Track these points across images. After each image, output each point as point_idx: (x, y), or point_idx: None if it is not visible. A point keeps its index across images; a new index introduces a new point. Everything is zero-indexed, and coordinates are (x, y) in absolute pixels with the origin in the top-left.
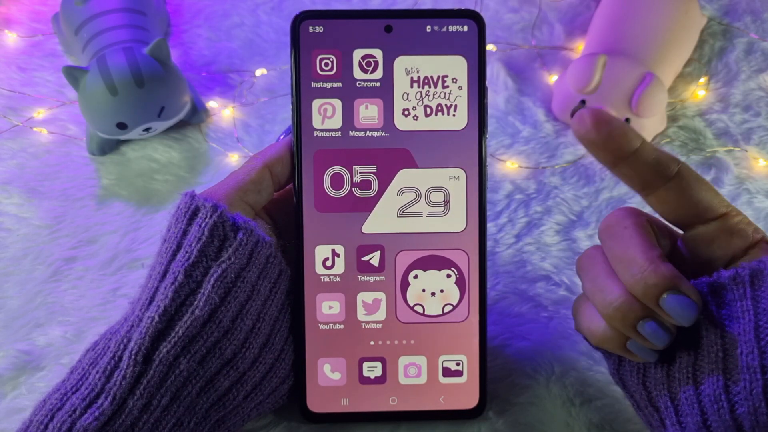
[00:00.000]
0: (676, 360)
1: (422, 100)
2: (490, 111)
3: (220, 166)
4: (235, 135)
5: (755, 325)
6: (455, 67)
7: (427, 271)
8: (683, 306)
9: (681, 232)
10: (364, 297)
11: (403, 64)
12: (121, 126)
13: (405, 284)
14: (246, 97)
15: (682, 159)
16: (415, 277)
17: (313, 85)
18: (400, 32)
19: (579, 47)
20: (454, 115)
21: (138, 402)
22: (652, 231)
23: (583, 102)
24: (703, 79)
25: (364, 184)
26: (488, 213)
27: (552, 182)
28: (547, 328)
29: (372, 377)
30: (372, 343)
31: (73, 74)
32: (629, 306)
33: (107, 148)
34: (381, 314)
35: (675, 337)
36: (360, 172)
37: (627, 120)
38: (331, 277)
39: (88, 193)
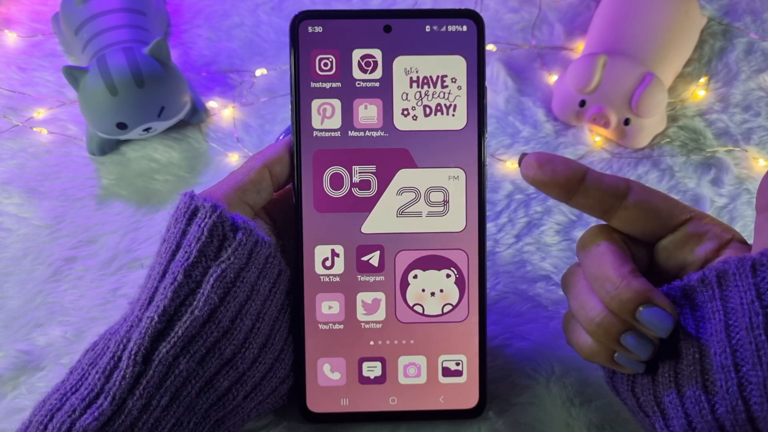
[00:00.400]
0: (659, 365)
1: (421, 100)
2: (490, 111)
3: (220, 166)
4: (235, 135)
5: (725, 324)
6: (454, 66)
7: (427, 271)
8: (659, 318)
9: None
10: (363, 297)
11: (402, 64)
12: (121, 126)
13: (404, 284)
14: (246, 97)
15: (682, 159)
16: (415, 277)
17: (313, 85)
18: (400, 32)
19: (579, 47)
20: (453, 115)
21: (137, 402)
22: (626, 245)
23: (583, 102)
24: (703, 79)
25: (364, 184)
26: (488, 213)
27: None
28: (547, 328)
29: (372, 377)
30: (372, 343)
31: (73, 74)
32: (609, 321)
33: (107, 148)
34: (381, 314)
35: (658, 346)
36: (359, 172)
37: (627, 120)
38: (331, 277)
39: (88, 193)
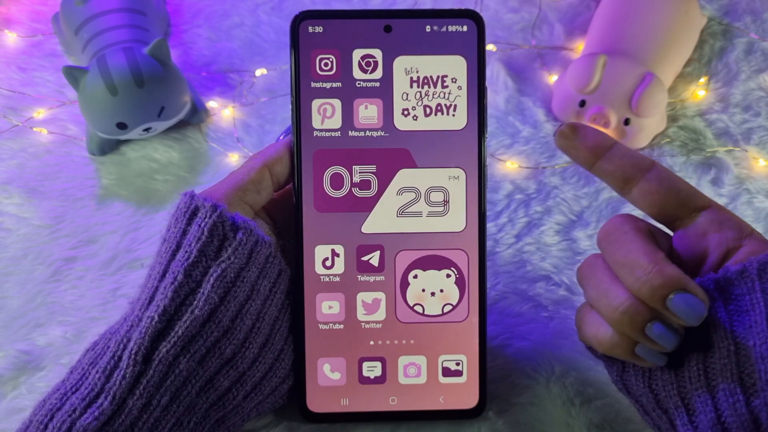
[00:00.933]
0: (684, 359)
1: (422, 100)
2: (490, 111)
3: (220, 166)
4: (235, 135)
5: (767, 315)
6: (455, 66)
7: (427, 271)
8: (691, 305)
9: (671, 233)
10: (363, 297)
11: (402, 64)
12: (121, 126)
13: (405, 284)
14: (246, 97)
15: (682, 159)
16: (415, 276)
17: (313, 85)
18: (400, 32)
19: (579, 47)
20: (453, 115)
21: (138, 402)
22: (652, 234)
23: (583, 102)
24: (703, 79)
25: (364, 184)
26: (488, 213)
27: (552, 182)
28: (547, 328)
29: (372, 377)
30: (372, 343)
31: (73, 74)
32: (636, 309)
33: (107, 148)
34: (381, 314)
35: (683, 338)
36: (360, 172)
37: (627, 120)
38: (331, 277)
39: (88, 193)
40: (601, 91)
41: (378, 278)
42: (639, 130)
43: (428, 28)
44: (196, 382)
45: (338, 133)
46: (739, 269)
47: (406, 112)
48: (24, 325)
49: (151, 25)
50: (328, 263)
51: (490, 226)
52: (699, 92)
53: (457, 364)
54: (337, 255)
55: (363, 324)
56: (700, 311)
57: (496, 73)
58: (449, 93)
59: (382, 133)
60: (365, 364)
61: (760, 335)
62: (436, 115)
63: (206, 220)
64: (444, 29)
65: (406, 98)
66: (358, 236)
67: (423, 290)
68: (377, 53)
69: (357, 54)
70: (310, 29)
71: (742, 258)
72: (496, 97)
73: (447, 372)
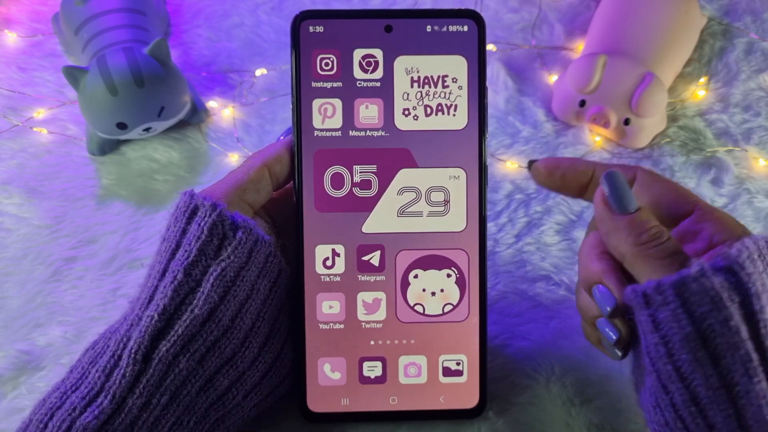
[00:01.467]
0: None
1: (422, 99)
2: (490, 111)
3: (220, 166)
4: (235, 135)
5: (647, 350)
6: (455, 66)
7: (428, 271)
8: (602, 297)
9: None
10: (364, 297)
11: (403, 63)
12: (121, 126)
13: (405, 284)
14: (246, 97)
15: (682, 159)
16: (416, 276)
17: (314, 84)
18: (400, 32)
19: (579, 47)
20: (454, 115)
21: (137, 401)
22: None
23: (583, 102)
24: (703, 79)
25: (365, 184)
26: (488, 213)
27: None
28: (547, 328)
29: (372, 377)
30: (372, 342)
31: (73, 74)
32: (584, 303)
33: (107, 148)
34: (381, 314)
35: (628, 336)
36: (360, 172)
37: (627, 120)
38: (332, 276)
39: (88, 193)
40: (601, 91)
41: (378, 278)
42: (639, 130)
43: (429, 28)
44: (195, 382)
45: (339, 133)
46: (628, 298)
47: (406, 112)
48: (24, 325)
49: (151, 25)
50: (329, 263)
51: (490, 226)
52: (699, 92)
53: (458, 364)
54: (338, 255)
55: (363, 324)
56: (608, 304)
57: (496, 73)
58: (450, 93)
59: (383, 133)
60: (365, 364)
61: (648, 365)
62: (436, 114)
63: (206, 219)
64: (444, 29)
65: (407, 98)
66: (358, 236)
67: (423, 290)
68: (378, 53)
69: (357, 54)
70: (311, 29)
71: None
72: (496, 97)
73: (447, 372)
